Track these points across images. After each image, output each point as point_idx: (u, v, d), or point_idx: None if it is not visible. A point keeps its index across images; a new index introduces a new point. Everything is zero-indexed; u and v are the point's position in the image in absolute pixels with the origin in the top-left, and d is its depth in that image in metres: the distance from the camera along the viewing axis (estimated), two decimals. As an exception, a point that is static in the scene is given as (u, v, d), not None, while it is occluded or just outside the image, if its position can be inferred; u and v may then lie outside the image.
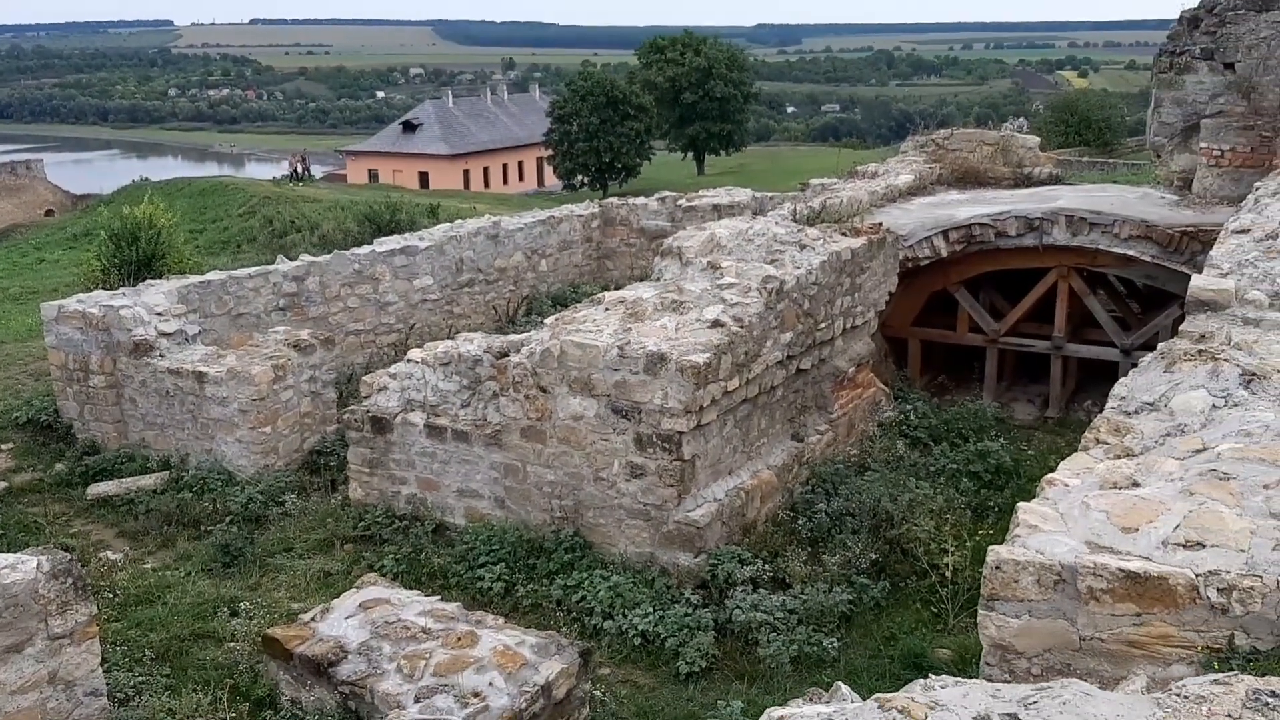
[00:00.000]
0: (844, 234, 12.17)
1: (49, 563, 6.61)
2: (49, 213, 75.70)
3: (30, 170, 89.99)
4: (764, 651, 8.31)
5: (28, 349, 16.83)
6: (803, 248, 11.42)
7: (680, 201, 20.48)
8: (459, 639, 7.40)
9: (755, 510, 10.14)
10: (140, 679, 7.77)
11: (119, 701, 7.29)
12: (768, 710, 3.46)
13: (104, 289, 14.74)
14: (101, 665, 6.94)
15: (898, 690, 3.43)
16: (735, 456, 10.19)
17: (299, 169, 58.50)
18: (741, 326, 9.80)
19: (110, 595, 8.95)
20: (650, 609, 8.78)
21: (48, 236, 42.53)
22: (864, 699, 3.44)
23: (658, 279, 11.52)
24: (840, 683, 3.77)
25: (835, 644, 8.44)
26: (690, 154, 78.21)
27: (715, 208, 19.49)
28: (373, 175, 74.81)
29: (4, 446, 12.99)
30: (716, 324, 9.72)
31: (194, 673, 7.96)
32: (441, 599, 8.22)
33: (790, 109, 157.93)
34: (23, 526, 10.72)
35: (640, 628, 8.61)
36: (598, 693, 7.68)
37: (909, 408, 13.17)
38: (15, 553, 6.76)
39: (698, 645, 8.36)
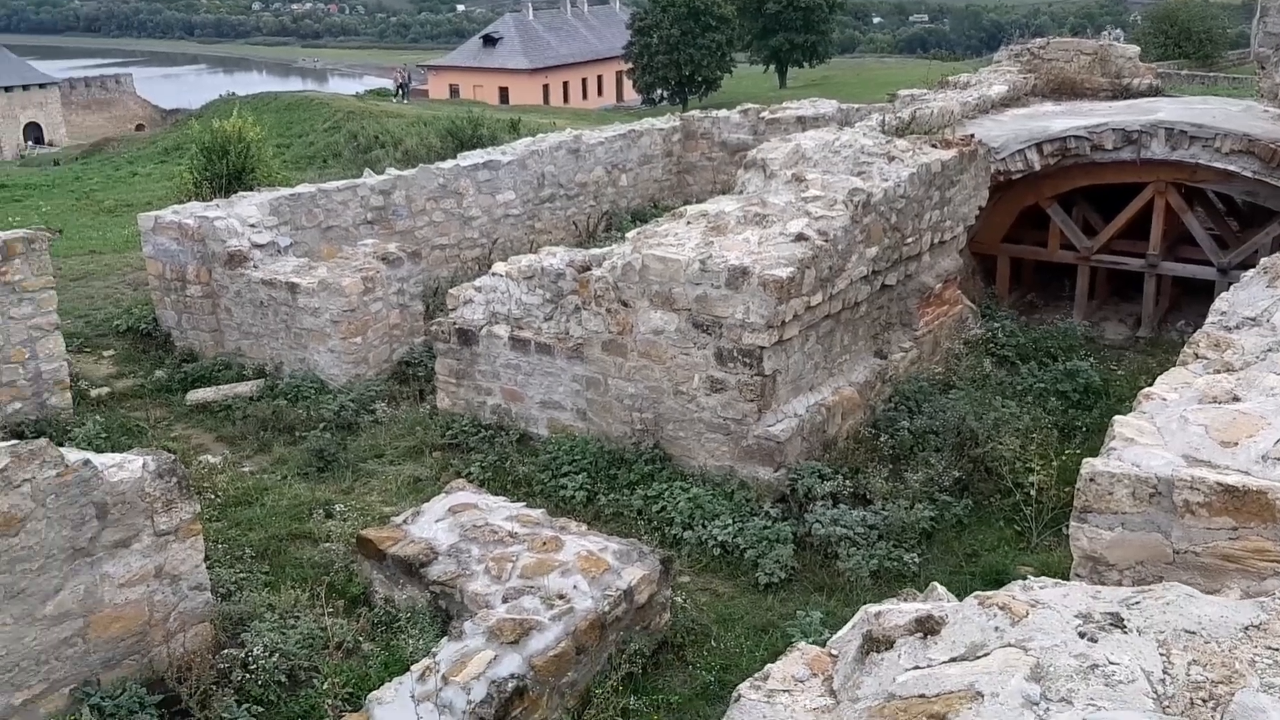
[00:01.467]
0: (934, 146, 11.89)
1: (154, 463, 6.91)
2: (139, 127, 77.25)
3: (120, 85, 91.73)
4: (843, 565, 8.38)
5: (125, 259, 17.36)
6: (891, 160, 11.19)
7: (763, 114, 20.15)
8: (544, 544, 7.60)
9: (836, 426, 10.14)
10: (241, 575, 8.12)
11: (221, 596, 7.64)
12: (865, 606, 3.50)
13: (196, 201, 15.07)
14: (204, 562, 7.29)
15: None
16: (817, 373, 10.16)
17: (405, 82, 58.72)
18: (826, 240, 9.70)
19: (211, 496, 9.32)
20: (729, 521, 8.89)
21: (140, 150, 43.46)
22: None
23: (740, 192, 11.41)
24: (936, 583, 3.80)
25: (916, 559, 8.47)
26: (772, 66, 76.62)
27: (799, 120, 19.15)
28: (453, 90, 74.81)
29: (106, 353, 13.49)
30: (800, 238, 9.63)
31: (291, 570, 8.29)
32: (527, 505, 8.42)
33: (876, 19, 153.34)
34: (126, 430, 11.16)
35: (720, 538, 8.73)
36: (678, 599, 7.85)
37: (996, 325, 12.96)
38: (121, 453, 7.10)
39: (777, 557, 8.46)
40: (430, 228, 15.88)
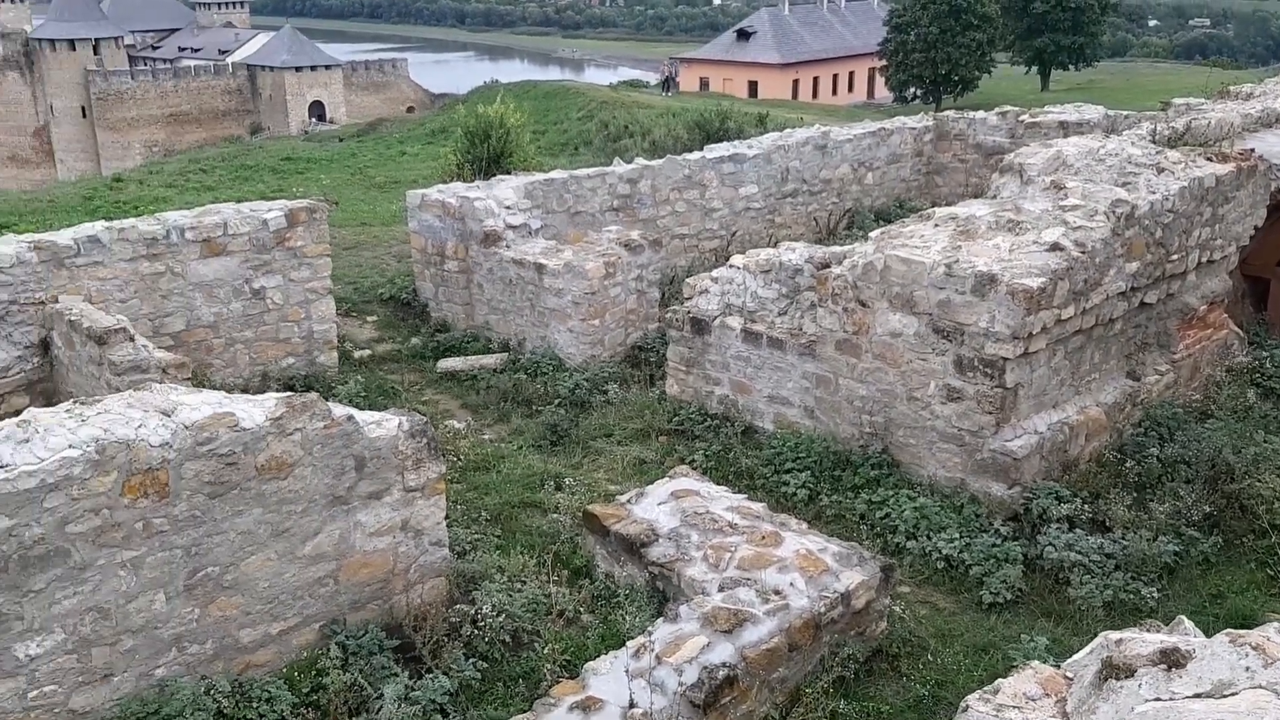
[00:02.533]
0: (1208, 159, 11.10)
1: (408, 423, 7.40)
2: (410, 109, 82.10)
3: (396, 69, 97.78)
4: (1075, 592, 8.00)
5: (391, 232, 18.58)
6: (1160, 171, 10.54)
7: (1022, 117, 19.34)
8: (763, 537, 7.65)
9: (1079, 447, 9.67)
10: (476, 536, 8.58)
11: (458, 554, 8.09)
12: (1104, 633, 3.38)
13: (459, 182, 15.95)
14: (444, 520, 7.74)
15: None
16: (1062, 389, 9.72)
17: (672, 76, 59.95)
18: (1083, 252, 9.25)
19: (454, 459, 9.87)
20: (956, 534, 8.65)
21: (409, 131, 46.24)
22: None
23: (993, 197, 11.04)
24: (1183, 616, 3.61)
25: (1155, 594, 7.99)
26: (1035, 68, 73.19)
27: (1061, 125, 18.26)
28: (703, 83, 75.52)
29: (370, 318, 14.50)
30: (1055, 247, 9.23)
31: (521, 537, 8.68)
32: (748, 498, 8.49)
33: (1152, 22, 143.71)
34: (382, 390, 11.97)
35: (945, 551, 8.52)
36: (897, 608, 7.72)
37: (1265, 355, 11.97)
38: (379, 412, 7.63)
39: (1004, 577, 8.17)
40: (672, 217, 16.18)
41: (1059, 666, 3.53)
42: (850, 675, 7.03)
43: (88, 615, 6.09)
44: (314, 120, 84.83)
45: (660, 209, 16.01)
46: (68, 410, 6.25)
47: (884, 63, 69.05)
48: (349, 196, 24.39)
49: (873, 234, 10.26)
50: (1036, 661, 3.88)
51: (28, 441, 5.86)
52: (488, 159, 18.96)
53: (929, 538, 8.68)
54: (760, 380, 10.71)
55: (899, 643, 7.47)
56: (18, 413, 6.60)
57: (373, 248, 17.75)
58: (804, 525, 8.03)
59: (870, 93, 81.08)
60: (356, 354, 13.22)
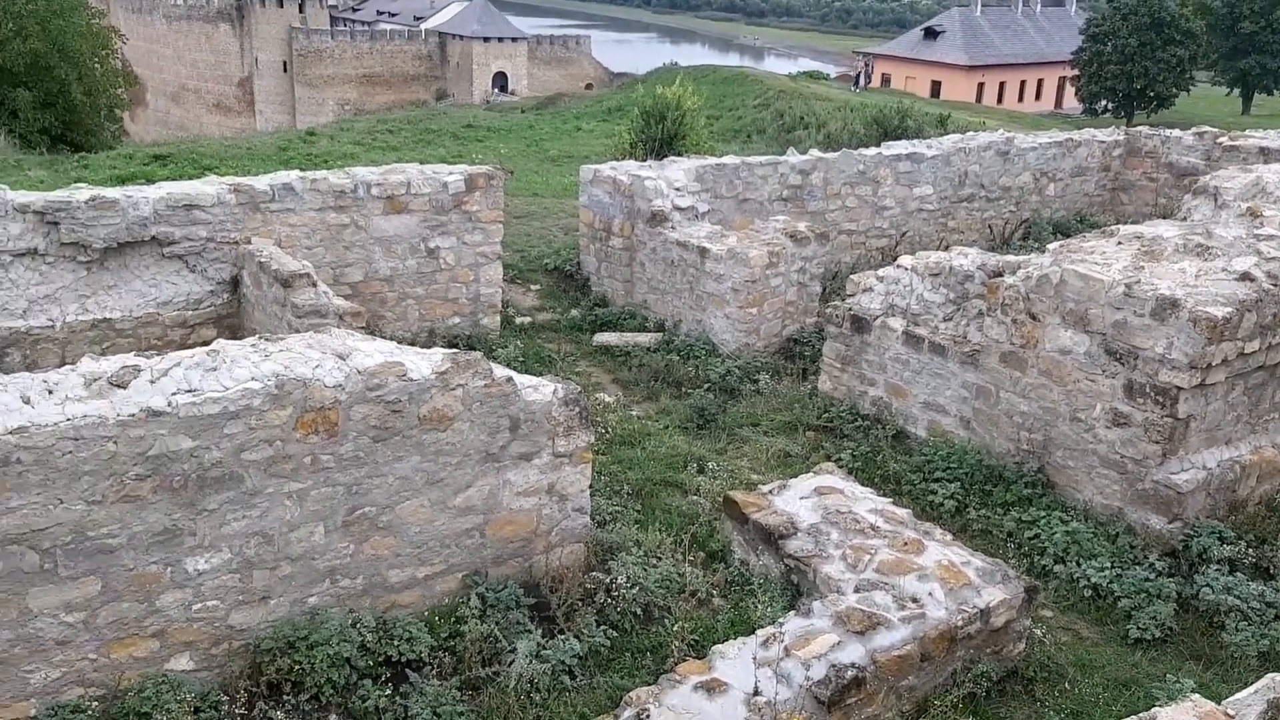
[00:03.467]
0: None
1: (563, 391, 7.58)
2: (589, 86, 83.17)
3: (579, 45, 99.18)
4: (1229, 638, 7.62)
5: (561, 205, 18.95)
6: (1373, 207, 9.86)
7: (1220, 139, 18.35)
8: (905, 544, 7.54)
9: (1248, 488, 9.17)
10: (616, 508, 8.72)
11: (598, 523, 8.25)
12: (1272, 675, 3.23)
13: (631, 160, 16.13)
14: (588, 489, 7.90)
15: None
16: (1237, 426, 9.23)
17: (865, 71, 59.10)
18: (1276, 285, 8.75)
19: (601, 431, 10.04)
20: (1108, 564, 8.34)
21: (586, 108, 46.89)
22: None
23: (1183, 219, 10.54)
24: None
25: (1320, 652, 7.54)
26: (1237, 90, 68.97)
27: (1262, 151, 17.26)
28: (885, 79, 74.08)
29: (533, 287, 14.85)
30: (1246, 277, 8.76)
31: (660, 515, 8.79)
32: (894, 502, 8.37)
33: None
34: (539, 358, 12.26)
35: (1094, 580, 8.22)
36: (1037, 631, 7.51)
37: None
38: (536, 378, 7.84)
39: (1154, 613, 7.84)
40: (841, 212, 15.99)
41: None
42: (982, 693, 6.88)
43: (253, 539, 6.47)
44: (496, 90, 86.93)
45: (830, 203, 15.84)
46: (253, 345, 6.64)
47: (1076, 72, 66.27)
48: (524, 167, 24.96)
49: (1051, 246, 9.93)
50: (1198, 695, 3.74)
51: (215, 370, 6.26)
52: (661, 140, 19.12)
53: (1078, 564, 8.39)
54: (917, 385, 10.52)
55: (1036, 667, 7.26)
56: (206, 343, 7.05)
57: (542, 218, 18.14)
58: (948, 536, 7.88)
59: (1059, 102, 77.99)
60: (518, 320, 13.57)
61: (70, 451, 5.71)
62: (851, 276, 11.64)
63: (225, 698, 6.28)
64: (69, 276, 10.46)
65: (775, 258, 12.52)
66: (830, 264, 14.28)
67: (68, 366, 6.25)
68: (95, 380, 6.02)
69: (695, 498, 9.15)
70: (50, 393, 5.89)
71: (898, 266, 11.10)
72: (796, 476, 8.78)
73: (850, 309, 11.16)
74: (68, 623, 5.95)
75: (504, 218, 12.91)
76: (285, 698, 6.39)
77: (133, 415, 5.87)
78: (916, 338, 10.49)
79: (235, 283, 11.14)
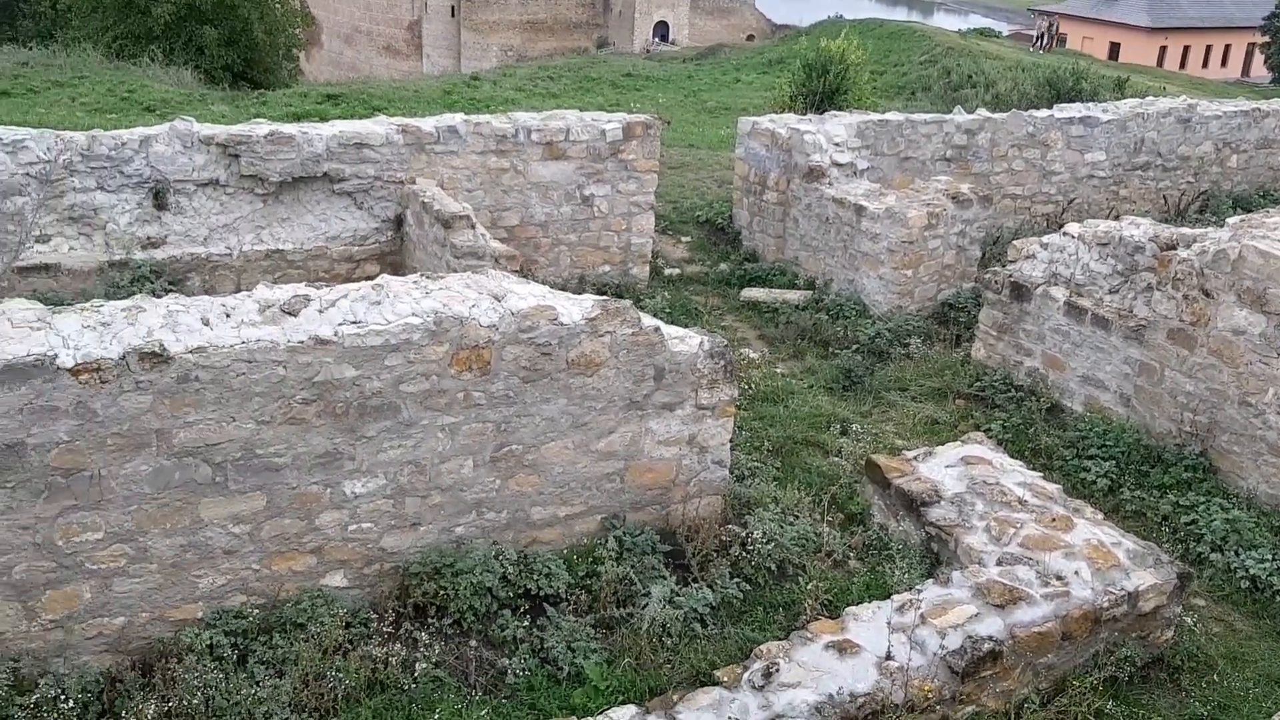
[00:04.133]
0: None
1: (709, 343, 7.60)
2: (750, 37, 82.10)
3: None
4: (1401, 645, 7.19)
5: (716, 157, 18.84)
6: None
7: None
8: (1053, 520, 7.33)
9: None
10: (756, 464, 8.73)
11: (736, 478, 8.29)
12: None
13: (790, 114, 15.89)
14: (728, 443, 7.93)
15: None
16: None
17: (1049, 31, 56.43)
18: None
19: (745, 387, 10.04)
20: (1269, 556, 7.94)
21: (747, 59, 46.30)
22: None
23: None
24: None
25: None
26: None
27: None
28: (1060, 39, 70.67)
29: (684, 239, 14.86)
30: None
31: (800, 474, 8.75)
32: (1043, 477, 8.14)
33: None
34: (685, 310, 12.30)
35: (1252, 571, 7.85)
36: (1188, 620, 7.23)
37: None
38: (683, 329, 7.88)
39: (1318, 611, 7.45)
40: (1007, 175, 15.43)
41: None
42: (1124, 678, 6.68)
43: (406, 468, 6.74)
44: (657, 40, 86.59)
45: (995, 165, 15.30)
46: (415, 282, 6.87)
47: (1266, 39, 61.85)
48: (680, 118, 24.86)
49: (1230, 220, 9.40)
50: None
51: (379, 304, 6.51)
52: (822, 94, 18.76)
53: (1237, 554, 8.02)
54: (1076, 358, 10.15)
55: (1184, 656, 7.00)
56: (370, 278, 7.32)
57: (696, 170, 18.09)
58: (1099, 515, 7.62)
59: (1246, 70, 72.97)
60: (667, 271, 13.62)
61: (243, 373, 6.04)
62: (1014, 242, 11.26)
63: (374, 615, 6.60)
64: (246, 208, 10.99)
65: (934, 219, 12.20)
66: (992, 228, 13.83)
67: (244, 292, 6.59)
68: (268, 307, 6.34)
69: (837, 459, 9.08)
70: (227, 316, 6.23)
71: (1064, 234, 10.68)
72: (943, 444, 8.61)
73: (1010, 276, 10.81)
74: (234, 534, 6.34)
75: (659, 168, 12.93)
76: (429, 620, 6.68)
77: (301, 342, 6.17)
78: (1079, 309, 10.10)
79: (399, 221, 11.51)
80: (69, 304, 6.61)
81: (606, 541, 7.33)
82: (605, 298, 7.35)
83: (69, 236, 10.34)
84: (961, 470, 8.00)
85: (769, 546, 7.42)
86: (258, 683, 5.96)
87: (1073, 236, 10.52)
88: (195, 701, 5.74)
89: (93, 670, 6.00)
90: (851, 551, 7.71)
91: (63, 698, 5.69)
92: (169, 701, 5.75)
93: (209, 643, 6.09)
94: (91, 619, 6.08)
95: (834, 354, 11.31)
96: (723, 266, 13.95)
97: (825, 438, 9.50)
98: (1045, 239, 10.87)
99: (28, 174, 9.98)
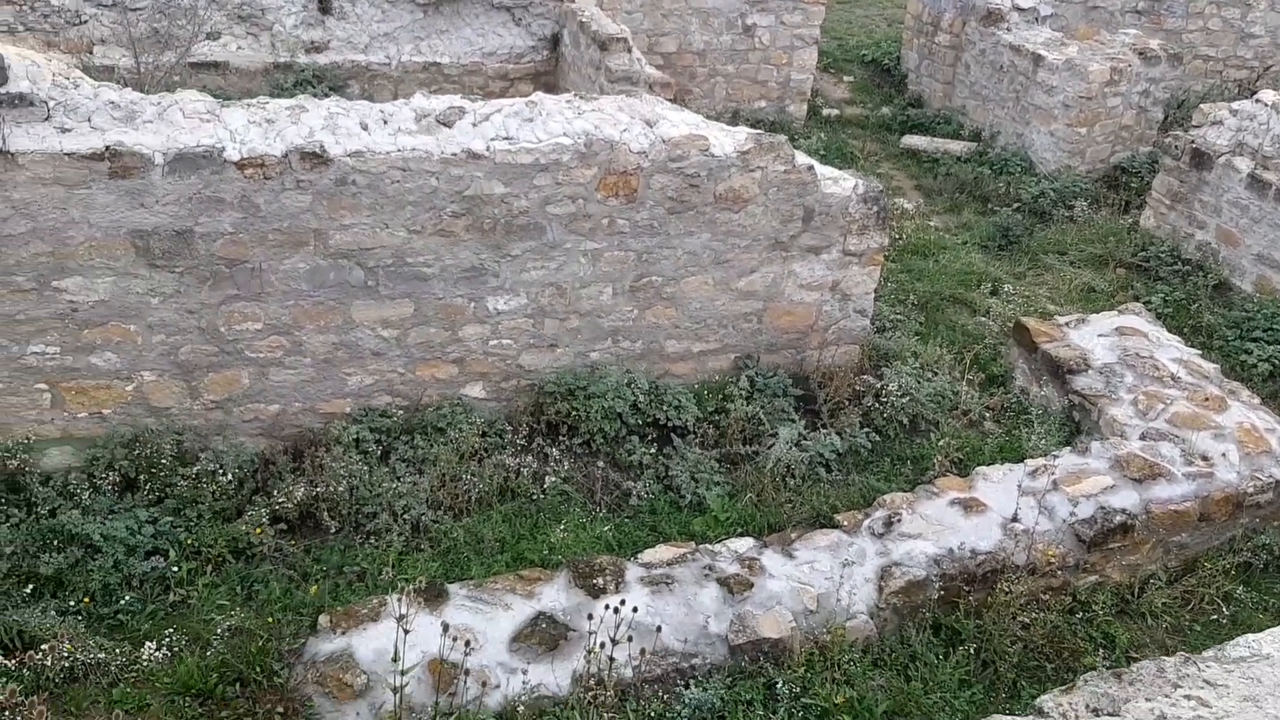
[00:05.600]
0: None
1: (864, 187, 7.36)
2: None
3: None
4: None
5: (889, -6, 17.90)
6: None
7: None
8: (1206, 399, 7.03)
9: None
10: (898, 317, 8.56)
11: (877, 329, 8.14)
12: None
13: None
14: (872, 292, 7.76)
15: None
16: None
17: None
18: None
19: (895, 237, 9.76)
20: None
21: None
22: None
23: None
24: None
25: None
26: None
27: None
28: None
29: (845, 79, 14.30)
30: None
31: (944, 330, 8.56)
32: (1201, 355, 7.77)
33: None
34: (841, 153, 11.92)
35: None
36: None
37: None
38: (838, 170, 7.64)
39: None
40: (1201, 34, 14.24)
41: None
42: (1259, 565, 6.47)
43: (547, 289, 6.83)
44: None
45: (1190, 22, 14.11)
46: (568, 101, 6.80)
47: None
48: (853, -50, 23.57)
49: None
50: None
51: (531, 122, 6.48)
52: (1010, -68, 17.44)
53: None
54: (1253, 235, 9.51)
55: (1326, 550, 6.73)
56: (523, 95, 7.27)
57: (866, 6, 17.24)
58: (1256, 400, 7.27)
59: None
60: (825, 111, 13.16)
61: (398, 181, 6.14)
62: (1201, 106, 10.46)
63: (509, 428, 6.82)
64: (407, 18, 10.98)
65: (1117, 75, 11.40)
66: (1177, 90, 12.86)
67: (401, 100, 6.64)
68: (424, 116, 6.37)
69: (984, 319, 8.84)
70: (385, 123, 6.30)
71: (1256, 101, 9.86)
72: (1098, 313, 8.27)
73: (1193, 142, 10.09)
74: (383, 337, 6.57)
75: (827, 0, 12.35)
76: (560, 438, 6.87)
77: (454, 154, 6.21)
78: (1263, 182, 9.40)
79: (555, 40, 11.35)
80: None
81: (739, 380, 7.35)
82: (759, 132, 7.16)
83: (237, 35, 10.54)
84: (1114, 340, 7.70)
85: (903, 400, 7.33)
86: (398, 478, 6.27)
87: (1265, 105, 9.71)
88: (340, 489, 6.09)
89: (248, 450, 6.41)
90: (988, 412, 7.56)
91: (221, 472, 6.11)
92: (316, 486, 6.11)
93: (355, 437, 6.41)
94: (249, 403, 6.45)
95: (993, 211, 10.86)
96: (884, 110, 13.41)
97: (974, 296, 9.22)
98: (1235, 105, 10.06)
99: (201, -30, 10.15)
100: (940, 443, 7.07)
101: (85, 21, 9.93)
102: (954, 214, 11.01)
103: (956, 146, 12.29)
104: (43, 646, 5.04)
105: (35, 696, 4.73)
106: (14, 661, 5.03)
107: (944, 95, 13.22)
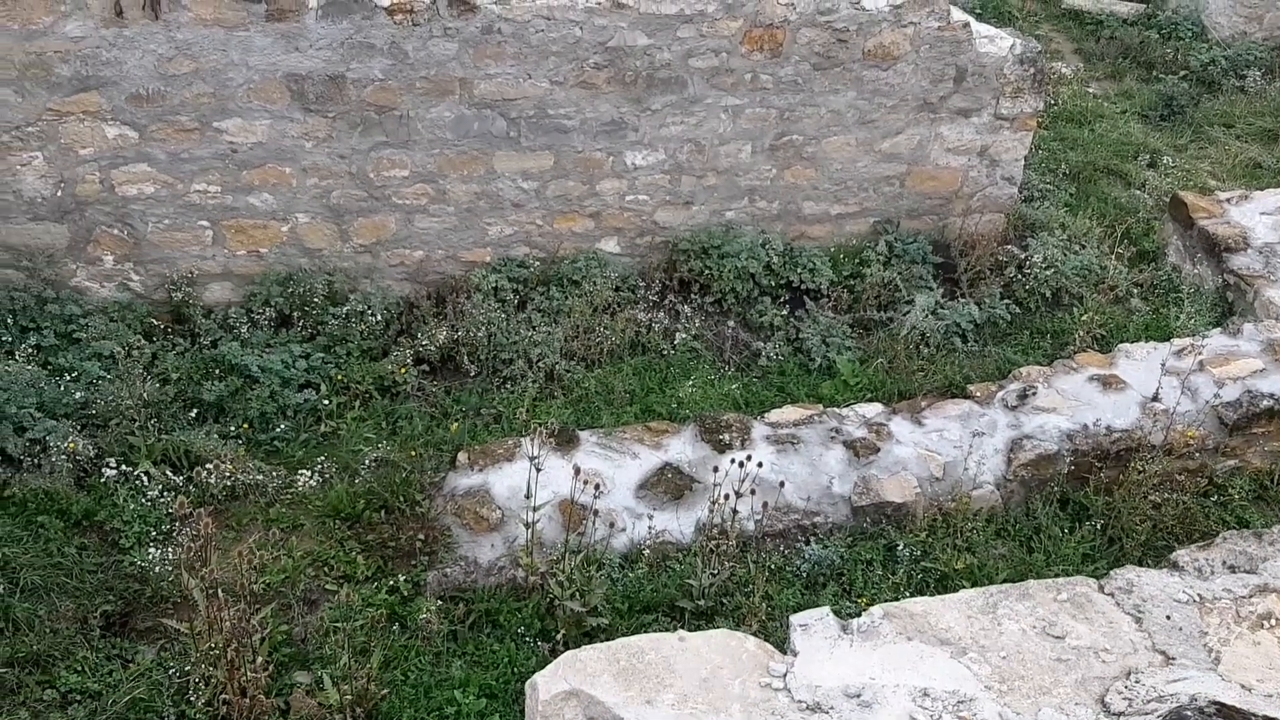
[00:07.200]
0: None
1: (1021, 47, 7.03)
2: None
3: None
4: None
5: None
6: None
7: None
8: (1377, 286, 6.64)
9: None
10: (1048, 186, 8.25)
11: (1025, 198, 7.86)
12: None
13: None
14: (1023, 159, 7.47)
15: None
16: None
17: None
18: None
19: (1050, 102, 9.31)
20: None
21: None
22: None
23: None
24: None
25: None
26: None
27: None
28: None
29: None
30: None
31: (1095, 203, 8.21)
32: (1377, 239, 7.31)
33: None
34: (998, 12, 11.11)
35: None
36: None
37: None
38: (995, 29, 7.29)
39: None
40: None
41: None
42: None
43: (686, 145, 6.78)
44: None
45: None
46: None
47: None
48: None
49: None
50: None
51: (678, -29, 6.33)
52: None
53: None
54: None
55: None
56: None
57: None
58: None
59: None
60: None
61: (542, 30, 6.12)
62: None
63: (641, 283, 6.90)
64: None
65: (1312, -69, 10.47)
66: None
67: (548, -52, 6.55)
68: (570, -35, 6.29)
69: (1138, 192, 8.45)
70: (531, -29, 6.25)
71: None
72: (1263, 190, 7.83)
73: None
74: (523, 188, 6.66)
75: None
76: (692, 296, 6.92)
77: (599, 4, 6.15)
78: None
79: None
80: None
81: (876, 244, 7.24)
82: (913, -14, 6.85)
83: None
84: (1277, 219, 7.29)
85: (1047, 272, 7.13)
86: (534, 327, 6.44)
87: None
88: (479, 334, 6.29)
89: (394, 294, 6.65)
90: (1136, 289, 7.30)
91: (369, 312, 6.37)
92: (457, 331, 6.33)
93: (494, 285, 6.58)
94: (395, 248, 6.66)
95: (1157, 78, 10.24)
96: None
97: (1130, 168, 8.80)
98: None
99: None
100: (1083, 317, 6.87)
101: None
102: (1114, 81, 10.41)
103: (1123, 8, 11.54)
104: (207, 465, 5.44)
105: (202, 509, 5.12)
106: (182, 478, 5.45)
107: (1116, -48, 12.34)
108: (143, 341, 6.04)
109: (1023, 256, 7.24)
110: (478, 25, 6.02)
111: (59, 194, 6.03)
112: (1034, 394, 5.89)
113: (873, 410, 5.92)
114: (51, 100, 5.77)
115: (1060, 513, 5.62)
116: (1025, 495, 5.65)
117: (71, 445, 5.33)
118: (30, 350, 5.87)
